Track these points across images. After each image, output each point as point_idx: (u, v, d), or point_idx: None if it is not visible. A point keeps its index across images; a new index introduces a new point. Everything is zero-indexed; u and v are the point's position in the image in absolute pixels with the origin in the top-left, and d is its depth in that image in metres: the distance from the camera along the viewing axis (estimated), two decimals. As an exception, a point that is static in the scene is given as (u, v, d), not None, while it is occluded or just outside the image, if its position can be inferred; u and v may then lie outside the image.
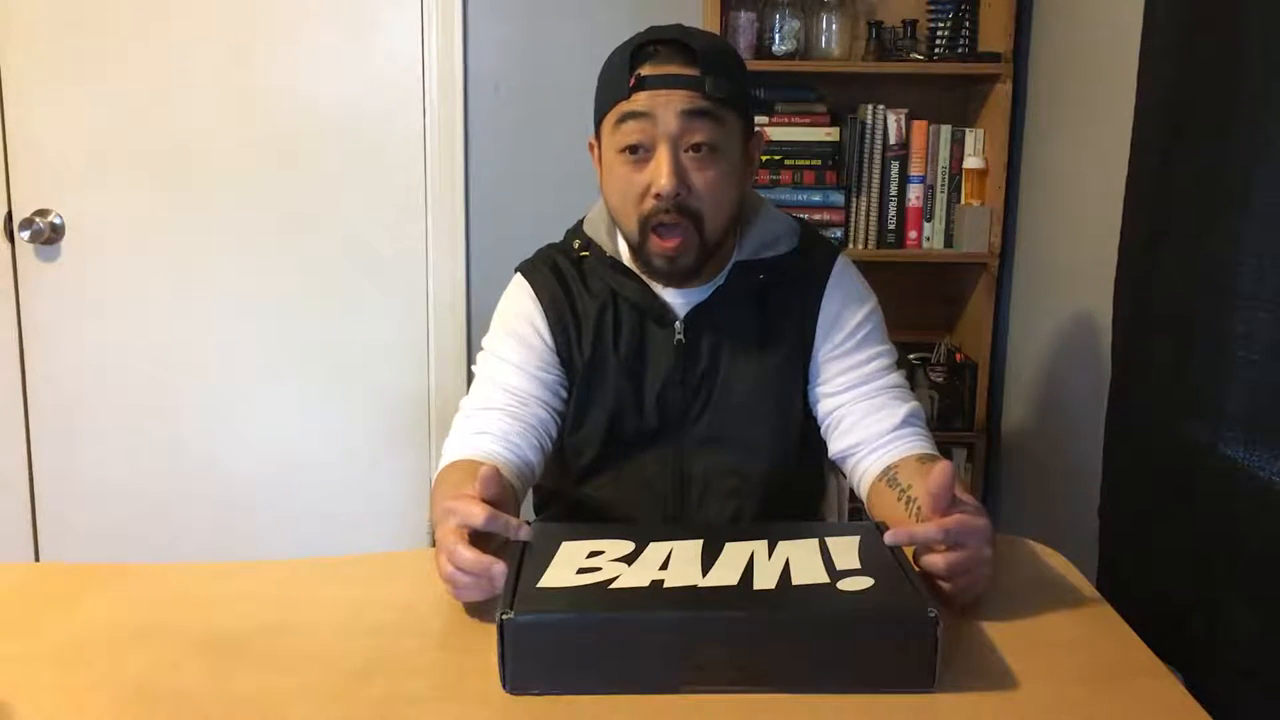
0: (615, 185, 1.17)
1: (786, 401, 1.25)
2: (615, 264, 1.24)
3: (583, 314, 1.24)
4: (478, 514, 0.92)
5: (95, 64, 2.19)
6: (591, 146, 1.24)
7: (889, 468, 1.15)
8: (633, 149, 1.13)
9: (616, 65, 1.15)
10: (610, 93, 1.15)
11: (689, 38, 1.13)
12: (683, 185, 1.12)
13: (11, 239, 2.23)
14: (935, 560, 0.92)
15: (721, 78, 1.12)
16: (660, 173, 1.11)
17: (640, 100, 1.12)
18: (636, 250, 1.19)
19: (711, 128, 1.12)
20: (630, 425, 1.24)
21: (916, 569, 0.93)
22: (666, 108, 1.11)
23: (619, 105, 1.13)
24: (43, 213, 2.22)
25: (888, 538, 0.92)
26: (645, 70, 1.12)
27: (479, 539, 0.93)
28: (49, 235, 2.22)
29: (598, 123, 1.19)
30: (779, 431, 1.25)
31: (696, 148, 1.12)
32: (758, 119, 2.07)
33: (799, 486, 1.32)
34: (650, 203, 1.13)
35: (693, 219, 1.14)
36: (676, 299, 1.23)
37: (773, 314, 1.24)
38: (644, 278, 1.23)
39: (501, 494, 1.01)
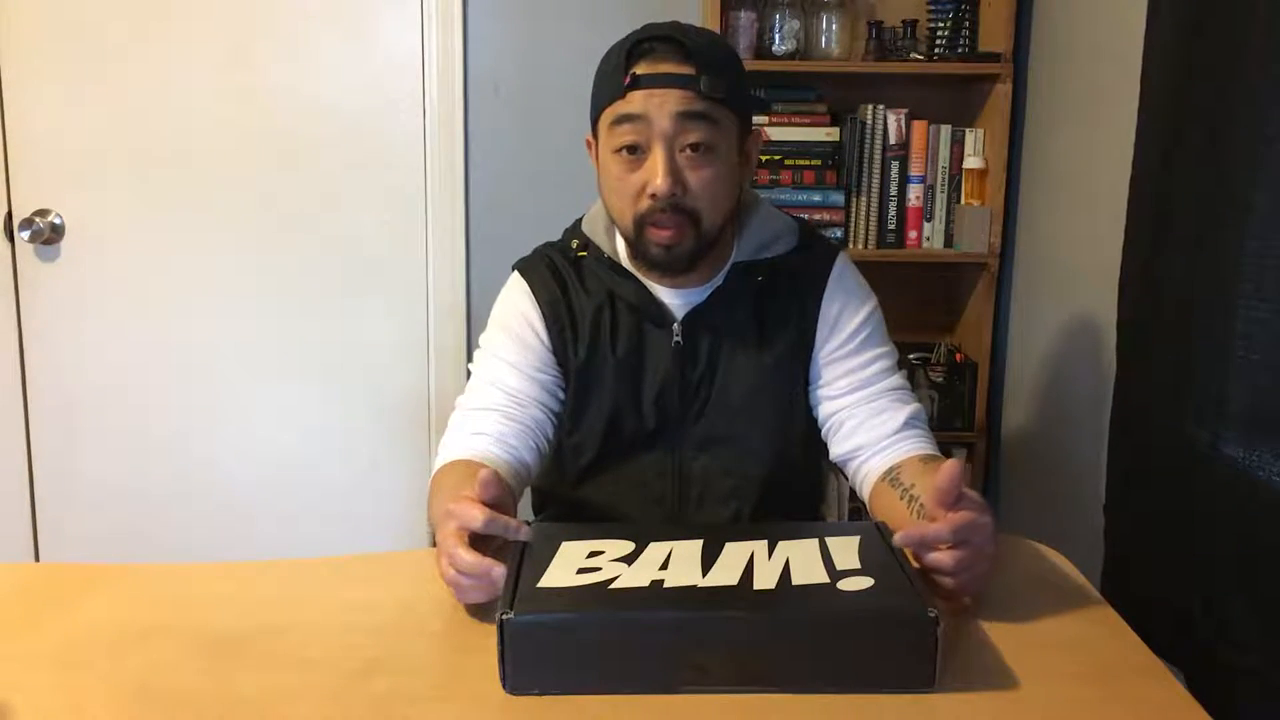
0: (611, 184, 1.16)
1: (785, 403, 1.24)
2: (613, 264, 1.23)
3: (579, 314, 1.24)
4: (477, 516, 0.92)
5: (95, 64, 2.18)
6: (589, 144, 1.23)
7: (891, 469, 1.15)
8: (628, 149, 1.13)
9: (612, 64, 1.15)
10: (605, 92, 1.15)
11: (684, 35, 1.12)
12: (678, 185, 1.11)
13: (11, 239, 2.23)
14: (942, 558, 0.92)
15: (717, 76, 1.11)
16: (655, 173, 1.11)
17: (635, 101, 1.11)
18: (633, 245, 1.18)
19: (707, 128, 1.12)
20: (628, 426, 1.24)
21: (917, 565, 0.93)
22: (661, 109, 1.10)
23: (614, 105, 1.13)
24: (43, 213, 2.22)
25: (898, 539, 0.92)
26: (640, 69, 1.12)
27: (479, 541, 0.93)
28: (49, 235, 2.22)
29: (594, 120, 1.19)
30: (778, 433, 1.24)
31: (694, 147, 1.12)
32: (756, 118, 2.07)
33: (798, 487, 1.32)
34: (646, 202, 1.13)
35: (689, 216, 1.13)
36: (674, 300, 1.23)
37: (772, 315, 1.23)
38: (642, 278, 1.23)
39: (501, 497, 1.00)
